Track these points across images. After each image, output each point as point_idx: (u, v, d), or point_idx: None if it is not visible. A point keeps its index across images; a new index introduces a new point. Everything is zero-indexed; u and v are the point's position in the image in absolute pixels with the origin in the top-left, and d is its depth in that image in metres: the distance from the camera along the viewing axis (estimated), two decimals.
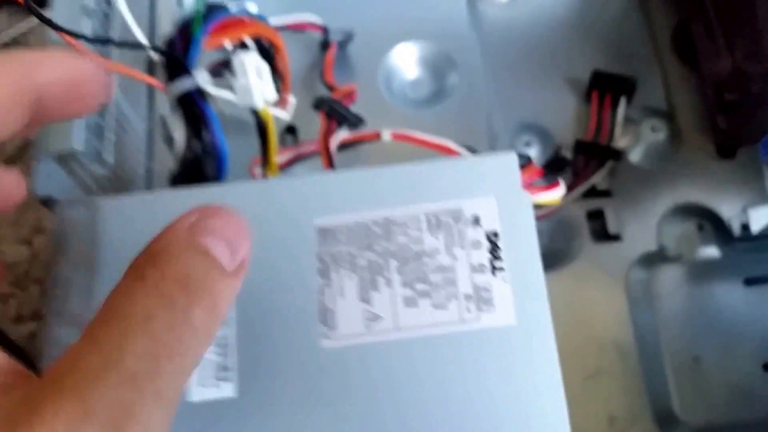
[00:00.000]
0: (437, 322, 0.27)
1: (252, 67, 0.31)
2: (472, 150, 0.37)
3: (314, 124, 0.38)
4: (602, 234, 0.43)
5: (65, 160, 0.33)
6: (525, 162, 0.29)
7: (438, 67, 0.46)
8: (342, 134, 0.38)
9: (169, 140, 0.33)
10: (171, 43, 0.31)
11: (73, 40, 0.28)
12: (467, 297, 0.27)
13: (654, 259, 0.43)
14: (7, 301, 0.50)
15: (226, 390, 0.26)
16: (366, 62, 0.46)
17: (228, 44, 0.32)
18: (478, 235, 0.28)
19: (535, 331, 0.27)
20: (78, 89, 0.25)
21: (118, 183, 0.36)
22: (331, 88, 0.41)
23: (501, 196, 0.28)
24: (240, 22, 0.32)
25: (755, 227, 0.41)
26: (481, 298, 0.27)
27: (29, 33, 0.60)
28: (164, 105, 0.33)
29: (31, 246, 0.49)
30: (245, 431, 0.26)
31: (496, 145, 0.44)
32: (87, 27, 0.35)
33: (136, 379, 0.17)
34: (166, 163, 0.34)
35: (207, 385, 0.26)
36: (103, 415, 0.16)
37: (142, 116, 0.41)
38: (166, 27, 0.32)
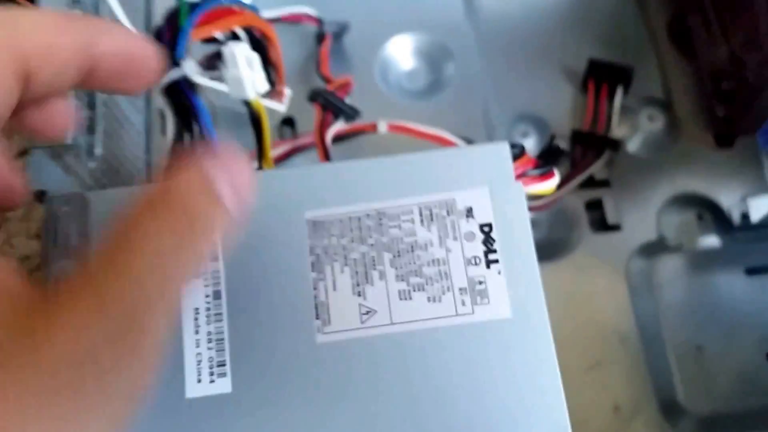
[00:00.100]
0: (432, 316, 0.26)
1: (242, 57, 0.31)
2: (469, 141, 0.37)
3: (312, 116, 0.38)
4: (602, 224, 0.43)
5: (58, 154, 0.32)
6: (518, 152, 0.28)
7: (434, 58, 0.46)
8: (338, 126, 0.38)
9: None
10: (158, 32, 0.31)
11: None
12: (462, 290, 0.27)
13: (654, 248, 0.43)
14: None
15: (222, 385, 0.26)
16: (362, 53, 0.45)
17: (219, 35, 0.32)
18: (472, 226, 0.27)
19: (531, 324, 0.26)
20: (133, 66, 0.25)
21: (116, 177, 0.36)
22: (326, 79, 0.41)
23: (494, 187, 0.28)
24: (229, 12, 0.32)
25: (755, 216, 0.40)
26: (476, 291, 0.27)
27: None
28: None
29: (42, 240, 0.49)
30: (241, 426, 0.26)
31: (494, 136, 0.44)
32: None
33: (144, 286, 0.19)
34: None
35: (203, 381, 0.26)
36: (118, 309, 0.19)
37: (139, 109, 0.40)
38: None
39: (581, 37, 0.47)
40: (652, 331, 0.41)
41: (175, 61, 0.30)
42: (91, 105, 0.34)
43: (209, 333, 0.26)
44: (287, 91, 0.36)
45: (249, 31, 0.33)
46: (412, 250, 0.27)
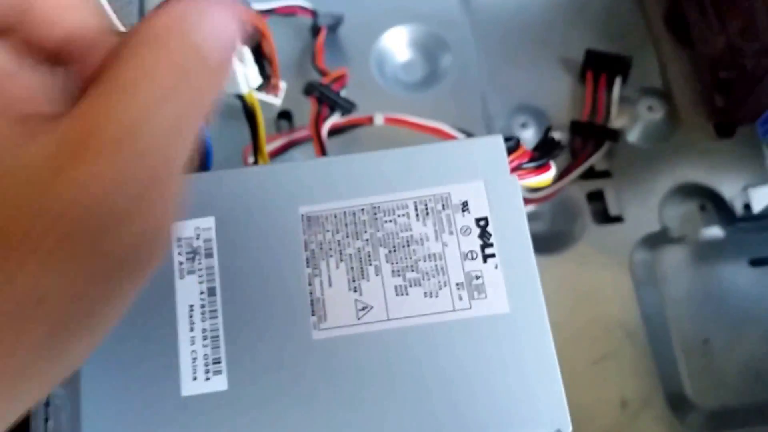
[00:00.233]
0: (429, 312, 0.26)
1: None
2: (467, 133, 0.37)
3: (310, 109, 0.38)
4: (604, 216, 0.43)
5: None
6: (513, 145, 0.28)
7: (430, 50, 0.45)
8: (333, 119, 0.37)
9: None
10: None
11: None
12: (458, 285, 0.26)
13: (657, 240, 0.42)
14: None
15: (218, 383, 0.26)
16: (357, 46, 0.45)
17: None
18: (468, 221, 0.27)
19: (530, 318, 0.26)
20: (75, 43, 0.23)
21: None
22: (322, 72, 0.41)
23: (489, 180, 0.27)
24: None
25: (757, 207, 0.40)
26: (473, 286, 0.26)
27: None
28: None
29: None
30: (237, 424, 0.25)
31: (492, 127, 0.44)
32: None
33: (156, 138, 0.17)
34: None
35: (198, 379, 0.26)
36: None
37: None
38: None
39: (579, 27, 0.47)
40: (658, 324, 0.41)
41: None
42: None
43: (204, 330, 0.26)
44: (282, 85, 0.35)
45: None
46: (408, 245, 0.27)
